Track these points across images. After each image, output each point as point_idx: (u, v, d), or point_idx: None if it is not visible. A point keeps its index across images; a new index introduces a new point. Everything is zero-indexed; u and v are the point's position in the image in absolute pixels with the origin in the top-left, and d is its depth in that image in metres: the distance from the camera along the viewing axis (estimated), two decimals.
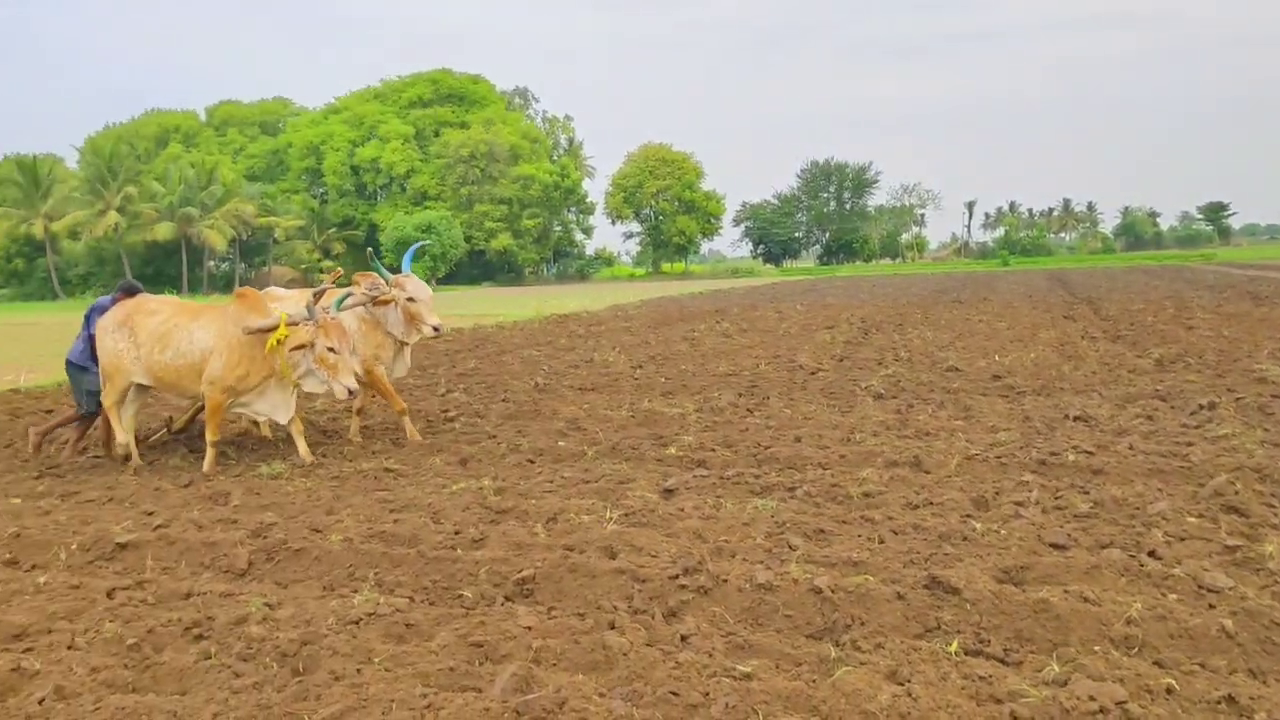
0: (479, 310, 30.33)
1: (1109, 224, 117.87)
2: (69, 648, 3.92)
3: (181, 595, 4.54)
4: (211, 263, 69.25)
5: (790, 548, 4.84)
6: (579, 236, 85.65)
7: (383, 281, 8.03)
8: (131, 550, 5.22)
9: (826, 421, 8.41)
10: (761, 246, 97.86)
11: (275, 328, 6.97)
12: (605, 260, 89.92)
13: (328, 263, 72.23)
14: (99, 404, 7.84)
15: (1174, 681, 3.22)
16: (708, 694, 3.26)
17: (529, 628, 3.93)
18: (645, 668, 3.51)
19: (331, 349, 6.92)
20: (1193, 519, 5.06)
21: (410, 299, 7.88)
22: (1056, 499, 5.60)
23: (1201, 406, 8.21)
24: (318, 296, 7.42)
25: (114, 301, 8.05)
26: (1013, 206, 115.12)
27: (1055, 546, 4.75)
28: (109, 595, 4.55)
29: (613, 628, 3.92)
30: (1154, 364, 11.20)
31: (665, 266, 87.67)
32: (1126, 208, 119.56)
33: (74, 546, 5.29)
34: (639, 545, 4.89)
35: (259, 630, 3.98)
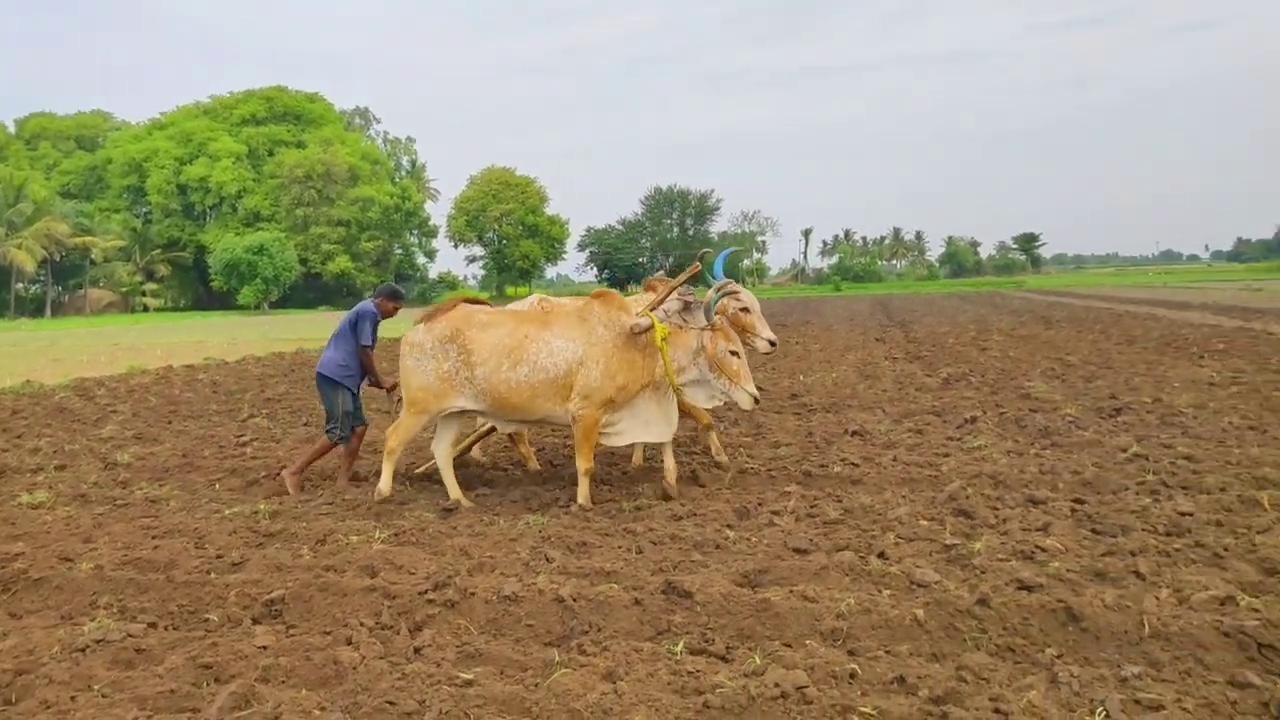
0: (306, 334, 29.40)
1: (935, 253, 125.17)
2: None
3: None
4: (20, 285, 64.54)
5: (547, 560, 4.98)
6: (421, 260, 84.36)
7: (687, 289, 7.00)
8: None
9: None
10: (606, 271, 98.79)
11: (651, 328, 6.26)
12: (449, 284, 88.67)
13: (150, 285, 68.51)
14: (351, 430, 7.37)
15: (857, 666, 3.51)
16: (424, 701, 3.34)
17: (264, 647, 3.91)
18: (371, 680, 3.56)
19: (734, 352, 6.27)
20: (925, 522, 5.49)
21: (744, 309, 7.00)
22: (812, 508, 5.94)
23: (966, 420, 8.86)
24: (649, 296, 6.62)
25: (376, 307, 7.43)
26: (847, 235, 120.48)
27: (798, 551, 5.05)
28: None
29: (349, 643, 3.95)
30: (940, 382, 11.99)
31: (510, 290, 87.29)
32: (950, 237, 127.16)
33: None
34: (400, 564, 4.92)
35: None
